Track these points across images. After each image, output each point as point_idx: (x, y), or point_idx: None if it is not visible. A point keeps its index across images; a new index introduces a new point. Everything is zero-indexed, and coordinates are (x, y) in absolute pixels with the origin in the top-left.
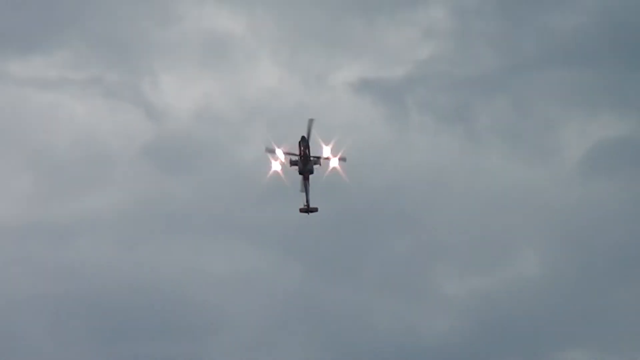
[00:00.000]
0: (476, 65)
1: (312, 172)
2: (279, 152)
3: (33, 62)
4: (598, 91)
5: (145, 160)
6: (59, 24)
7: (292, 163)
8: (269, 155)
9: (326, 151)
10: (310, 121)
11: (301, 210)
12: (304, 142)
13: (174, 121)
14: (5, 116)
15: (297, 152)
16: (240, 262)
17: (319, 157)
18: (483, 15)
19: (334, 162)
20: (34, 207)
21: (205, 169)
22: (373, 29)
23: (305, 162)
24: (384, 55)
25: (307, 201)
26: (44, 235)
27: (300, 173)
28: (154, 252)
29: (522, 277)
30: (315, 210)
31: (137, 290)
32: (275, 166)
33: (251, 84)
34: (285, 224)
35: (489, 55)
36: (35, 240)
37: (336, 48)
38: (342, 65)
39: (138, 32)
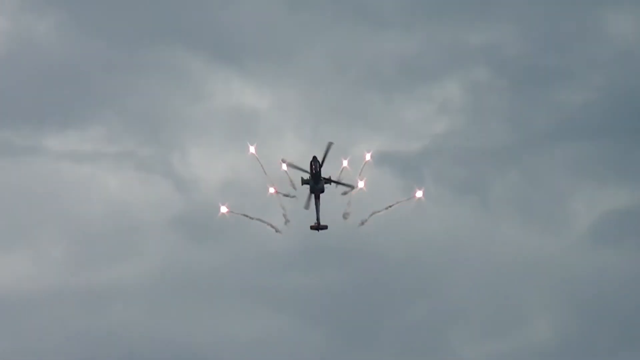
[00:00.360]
0: (489, 138)
1: (322, 191)
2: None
3: (69, 137)
4: (605, 164)
5: (175, 229)
6: (94, 101)
7: (304, 182)
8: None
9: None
10: (329, 144)
11: (312, 228)
12: (316, 162)
13: (201, 193)
14: (43, 188)
15: (310, 171)
16: (264, 327)
17: (329, 178)
18: (495, 92)
19: (419, 194)
20: (69, 274)
21: (232, 239)
22: (391, 105)
23: (316, 181)
24: (402, 129)
25: (318, 219)
26: (79, 300)
27: (311, 192)
28: (182, 318)
29: (534, 342)
30: (325, 227)
31: (166, 354)
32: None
33: (276, 157)
34: (306, 290)
35: (500, 129)
36: (70, 306)
37: (356, 122)
38: (362, 139)
39: (169, 108)
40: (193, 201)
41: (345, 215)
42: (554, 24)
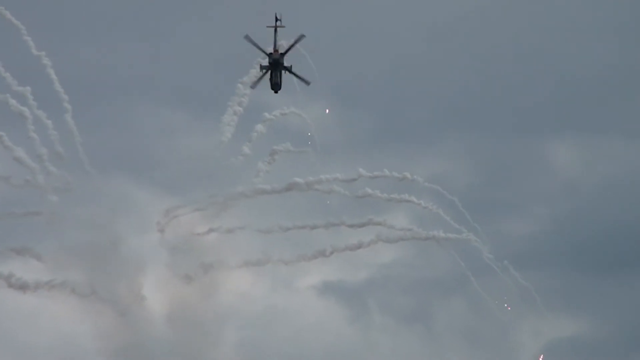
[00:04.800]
0: (434, 269)
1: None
2: None
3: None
4: (550, 294)
5: None
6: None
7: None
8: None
9: None
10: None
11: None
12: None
13: (147, 323)
14: None
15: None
16: None
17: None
18: (440, 223)
19: None
20: None
21: None
22: (336, 237)
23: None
24: (347, 260)
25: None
26: None
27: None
28: None
29: None
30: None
31: None
32: None
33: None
34: None
35: (446, 259)
36: None
37: (302, 254)
38: (307, 270)
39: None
40: (139, 332)
41: None
42: (499, 157)
